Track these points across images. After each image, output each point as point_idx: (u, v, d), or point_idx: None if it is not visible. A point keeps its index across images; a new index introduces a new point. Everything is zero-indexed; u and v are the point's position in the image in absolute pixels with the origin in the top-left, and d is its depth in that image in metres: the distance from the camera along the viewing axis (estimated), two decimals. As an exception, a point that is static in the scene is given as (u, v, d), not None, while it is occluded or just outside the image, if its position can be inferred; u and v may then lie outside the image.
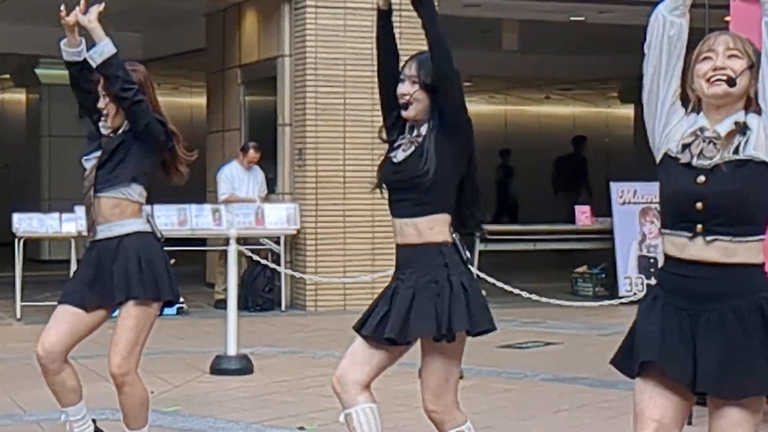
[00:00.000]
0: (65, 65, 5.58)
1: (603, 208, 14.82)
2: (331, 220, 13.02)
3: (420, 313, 4.62)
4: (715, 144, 3.75)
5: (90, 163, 5.52)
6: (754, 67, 3.79)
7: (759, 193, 3.72)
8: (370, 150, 13.08)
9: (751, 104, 3.80)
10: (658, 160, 3.89)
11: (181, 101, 24.65)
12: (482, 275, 10.17)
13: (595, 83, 23.48)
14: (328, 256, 12.98)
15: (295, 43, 13.29)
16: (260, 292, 13.10)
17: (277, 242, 13.14)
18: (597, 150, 25.40)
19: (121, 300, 5.46)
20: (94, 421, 5.95)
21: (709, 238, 3.70)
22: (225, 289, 9.94)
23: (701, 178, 3.71)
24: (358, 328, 4.87)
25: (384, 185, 4.88)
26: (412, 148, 4.77)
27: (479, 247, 14.07)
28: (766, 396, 3.75)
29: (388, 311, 4.69)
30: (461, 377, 8.62)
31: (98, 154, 5.49)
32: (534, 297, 9.47)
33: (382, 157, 4.94)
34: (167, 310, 12.36)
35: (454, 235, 4.76)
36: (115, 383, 5.51)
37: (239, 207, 12.98)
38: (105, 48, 5.32)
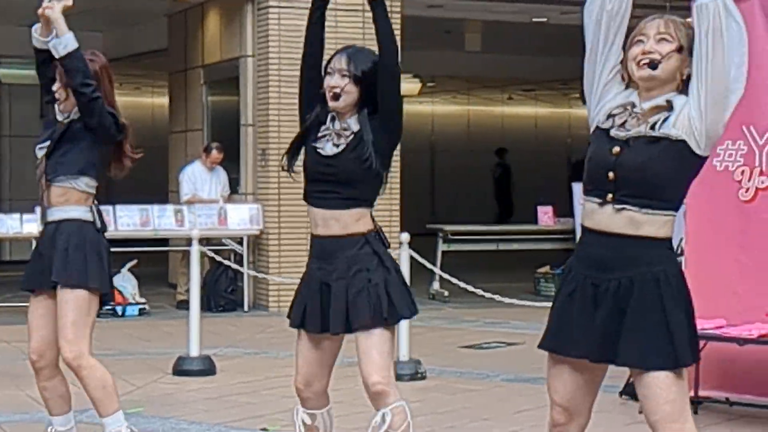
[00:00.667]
0: (34, 51, 5.57)
1: (565, 208, 14.88)
2: (294, 221, 13.00)
3: (359, 304, 4.79)
4: (638, 119, 3.87)
5: (42, 151, 5.51)
6: (683, 49, 3.89)
7: (670, 170, 3.82)
8: (333, 150, 13.07)
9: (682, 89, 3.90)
10: (591, 131, 4.00)
11: (143, 101, 24.55)
12: (445, 276, 10.19)
13: (557, 84, 23.57)
14: (291, 257, 12.95)
15: (258, 44, 13.27)
16: (223, 293, 13.07)
17: (240, 243, 13.11)
18: (559, 151, 25.53)
19: (52, 284, 5.41)
20: None
21: (617, 206, 3.82)
22: (187, 290, 9.91)
23: (616, 149, 3.84)
24: (299, 325, 5.02)
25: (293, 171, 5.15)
26: (344, 143, 4.86)
27: (442, 247, 14.10)
28: (670, 368, 3.81)
29: (323, 305, 4.87)
30: (424, 377, 8.67)
31: (49, 143, 5.48)
32: (496, 297, 9.49)
33: (294, 141, 5.24)
34: (129, 311, 12.41)
35: (374, 222, 4.89)
36: (72, 369, 5.46)
37: (202, 207, 12.94)
38: (68, 42, 5.32)
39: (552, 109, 27.24)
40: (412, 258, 8.91)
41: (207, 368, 8.83)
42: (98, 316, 12.72)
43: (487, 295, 9.74)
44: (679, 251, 8.33)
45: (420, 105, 26.13)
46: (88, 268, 5.43)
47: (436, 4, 14.83)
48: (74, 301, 5.39)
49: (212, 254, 11.40)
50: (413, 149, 18.39)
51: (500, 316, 11.96)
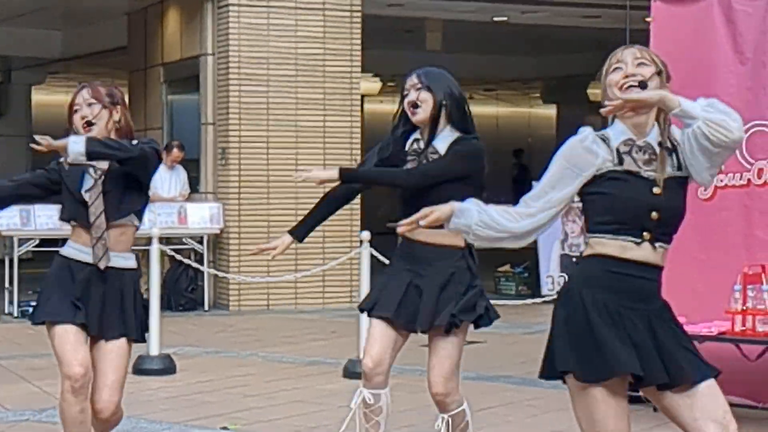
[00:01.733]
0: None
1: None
2: (255, 220, 12.98)
3: (444, 306, 5.18)
4: (651, 156, 3.91)
5: (90, 195, 5.26)
6: (662, 73, 3.96)
7: (685, 206, 4.01)
8: (294, 149, 13.07)
9: (664, 116, 3.95)
10: (584, 181, 3.93)
11: (102, 100, 24.45)
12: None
13: (518, 83, 23.62)
14: (251, 256, 12.92)
15: (218, 42, 13.23)
16: (183, 292, 13.03)
17: (200, 242, 13.07)
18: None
19: (115, 336, 5.25)
20: None
21: (656, 245, 3.91)
22: (147, 289, 9.85)
23: (657, 190, 3.89)
24: (369, 310, 5.36)
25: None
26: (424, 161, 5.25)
27: (403, 246, 14.10)
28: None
29: (406, 301, 5.22)
30: (385, 376, 8.65)
31: (93, 184, 5.25)
32: (457, 296, 9.48)
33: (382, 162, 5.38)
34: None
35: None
36: (102, 417, 5.30)
37: (162, 206, 12.88)
38: (77, 146, 5.05)
39: (513, 109, 27.31)
40: (373, 256, 8.90)
41: (167, 367, 8.80)
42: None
43: (448, 293, 9.75)
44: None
45: (381, 104, 26.13)
46: (142, 321, 5.34)
47: (396, 3, 14.84)
48: (126, 356, 5.29)
49: (172, 253, 11.35)
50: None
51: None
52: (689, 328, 6.97)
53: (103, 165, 5.24)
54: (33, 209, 12.27)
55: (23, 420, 7.17)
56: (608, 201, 3.89)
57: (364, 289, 8.70)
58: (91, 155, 5.05)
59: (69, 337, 5.20)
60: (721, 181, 7.24)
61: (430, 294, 5.20)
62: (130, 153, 5.12)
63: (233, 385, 8.37)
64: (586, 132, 3.95)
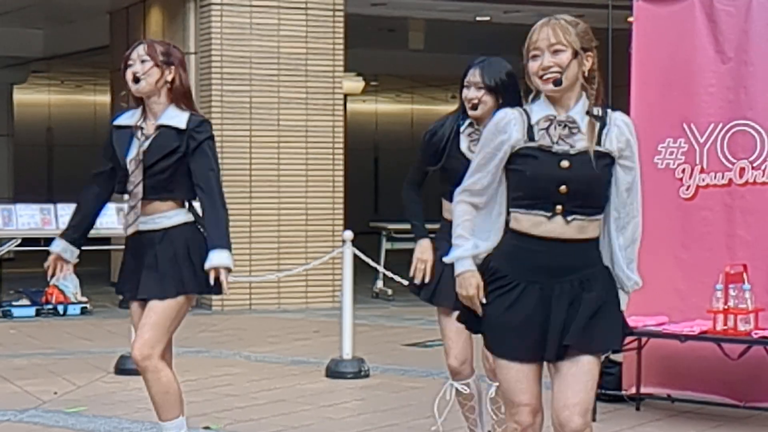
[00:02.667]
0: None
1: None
2: (237, 219, 12.94)
3: None
4: (572, 130, 3.99)
5: (132, 164, 5.26)
6: (578, 54, 3.99)
7: (606, 180, 4.06)
8: (276, 149, 13.05)
9: (591, 86, 4.05)
10: (505, 158, 4.06)
11: (84, 99, 24.41)
12: (389, 274, 10.19)
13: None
14: (234, 255, 12.81)
15: (201, 41, 13.21)
16: (165, 292, 12.99)
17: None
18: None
19: (156, 295, 5.27)
20: None
21: (569, 218, 3.98)
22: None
23: (565, 163, 3.96)
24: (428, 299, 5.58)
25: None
26: None
27: (386, 246, 14.11)
28: (611, 350, 4.19)
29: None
30: (367, 375, 8.67)
31: (136, 153, 5.24)
32: (440, 295, 9.48)
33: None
34: (71, 310, 12.31)
35: None
36: (139, 369, 5.30)
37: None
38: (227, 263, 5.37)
39: (495, 108, 27.31)
40: (355, 256, 8.90)
41: (149, 367, 8.77)
42: (38, 315, 12.64)
43: (431, 293, 9.75)
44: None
45: (363, 104, 26.15)
46: (198, 273, 5.32)
47: (379, 2, 14.84)
48: (163, 306, 5.25)
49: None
50: (357, 148, 18.43)
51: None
52: (671, 328, 7.02)
53: (149, 131, 5.24)
54: (14, 208, 12.23)
55: (4, 420, 7.14)
56: (519, 177, 4.03)
57: (347, 288, 8.71)
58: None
59: (134, 319, 5.38)
60: (703, 180, 7.25)
61: None
62: (222, 197, 5.38)
63: (216, 385, 8.36)
64: (502, 113, 4.08)
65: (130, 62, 5.30)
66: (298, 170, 13.11)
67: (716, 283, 6.87)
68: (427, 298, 5.58)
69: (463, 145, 5.50)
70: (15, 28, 17.68)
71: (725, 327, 6.85)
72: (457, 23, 16.40)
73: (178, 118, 5.28)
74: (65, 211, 12.16)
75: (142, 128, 5.27)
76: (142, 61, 5.28)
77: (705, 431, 6.97)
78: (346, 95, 15.41)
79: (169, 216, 5.30)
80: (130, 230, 5.27)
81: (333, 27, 13.22)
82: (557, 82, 3.96)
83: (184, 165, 5.27)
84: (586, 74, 4.03)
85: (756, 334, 6.78)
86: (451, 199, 5.47)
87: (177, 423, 5.40)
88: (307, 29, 13.13)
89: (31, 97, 24.24)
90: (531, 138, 3.99)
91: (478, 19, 16.04)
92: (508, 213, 4.09)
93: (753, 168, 7.11)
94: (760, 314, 6.85)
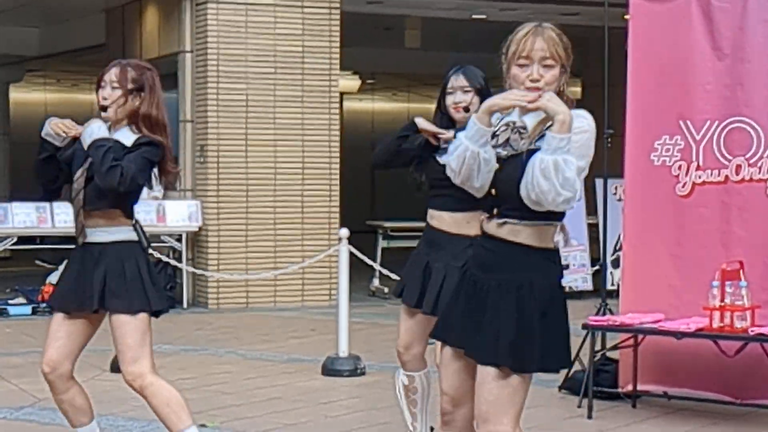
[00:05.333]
0: (41, 141, 5.37)
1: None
2: (234, 217, 12.95)
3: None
4: (521, 134, 3.96)
5: (78, 172, 5.25)
6: (564, 67, 4.00)
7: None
8: (272, 147, 13.04)
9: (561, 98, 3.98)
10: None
11: (80, 98, 24.35)
12: (385, 272, 10.19)
13: (497, 81, 23.61)
14: (231, 254, 12.91)
15: (197, 39, 13.19)
16: (162, 290, 12.96)
17: (179, 239, 13.03)
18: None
19: (98, 308, 5.30)
20: None
21: (500, 221, 3.97)
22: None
23: (496, 167, 3.95)
24: (399, 295, 5.96)
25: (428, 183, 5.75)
26: None
27: (382, 244, 14.11)
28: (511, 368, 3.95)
29: (423, 286, 5.77)
30: (363, 373, 8.67)
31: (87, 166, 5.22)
32: (436, 293, 9.49)
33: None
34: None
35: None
36: (136, 391, 5.32)
37: (140, 204, 12.75)
38: (96, 129, 5.14)
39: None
40: (352, 254, 8.90)
41: (145, 365, 8.76)
42: (34, 313, 12.64)
43: (427, 290, 9.75)
44: (618, 246, 8.40)
45: (360, 102, 26.14)
46: (147, 291, 5.32)
47: (376, 0, 14.83)
48: (132, 324, 5.26)
49: (151, 251, 11.31)
50: (353, 146, 18.39)
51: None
52: (667, 325, 7.02)
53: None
54: (10, 207, 12.23)
55: (0, 418, 7.14)
56: None
57: (344, 286, 8.70)
58: (88, 148, 5.09)
59: (57, 325, 5.41)
60: (699, 177, 7.26)
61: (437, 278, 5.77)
62: (107, 179, 5.08)
63: (212, 383, 8.35)
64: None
65: (102, 83, 5.27)
66: (294, 168, 13.10)
67: (712, 280, 6.87)
68: (397, 294, 5.95)
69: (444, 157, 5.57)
70: (10, 27, 17.67)
71: (722, 324, 6.85)
72: (453, 21, 16.40)
73: (127, 138, 5.23)
74: (61, 210, 12.17)
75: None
76: (112, 87, 5.24)
77: (701, 428, 6.97)
78: (342, 93, 15.41)
79: (112, 232, 5.28)
80: (81, 240, 5.27)
81: (329, 25, 13.21)
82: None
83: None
84: (561, 88, 3.99)
85: (752, 331, 6.78)
86: (435, 207, 5.81)
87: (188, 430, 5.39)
88: (304, 27, 13.11)
89: (27, 96, 24.20)
90: (492, 137, 3.99)
91: (473, 17, 16.03)
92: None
93: (749, 165, 7.11)
94: (757, 311, 6.86)
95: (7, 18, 16.77)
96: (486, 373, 3.93)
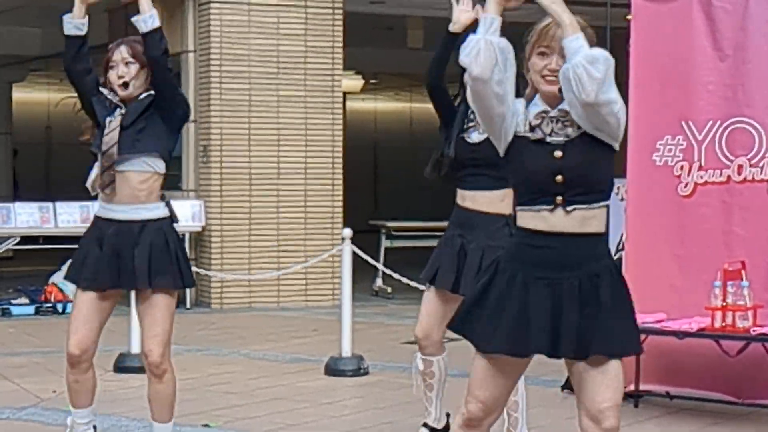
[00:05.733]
0: (66, 39, 5.45)
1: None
2: (237, 217, 12.96)
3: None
4: (563, 122, 3.97)
5: (113, 122, 5.31)
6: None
7: (602, 162, 4.00)
8: (275, 146, 13.05)
9: None
10: (504, 148, 4.07)
11: (83, 97, 24.36)
12: (388, 272, 10.20)
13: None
14: (234, 253, 12.92)
15: (200, 39, 13.21)
16: (165, 290, 12.98)
17: (182, 239, 13.03)
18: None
19: (136, 286, 5.33)
20: (95, 427, 5.75)
21: (569, 208, 3.95)
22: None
23: (558, 153, 3.94)
24: (430, 280, 5.89)
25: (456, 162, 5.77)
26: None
27: (385, 244, 14.11)
28: (623, 354, 4.07)
29: (458, 269, 5.72)
30: (366, 373, 8.68)
31: (118, 115, 5.29)
32: (439, 293, 9.50)
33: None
34: (70, 308, 12.29)
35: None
36: (155, 373, 5.40)
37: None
38: (154, 18, 5.32)
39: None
40: (355, 254, 8.91)
41: (148, 365, 8.77)
42: (37, 313, 12.64)
43: (430, 290, 9.76)
44: (620, 246, 8.41)
45: (363, 102, 26.15)
46: (184, 268, 5.36)
47: (378, 0, 14.84)
48: (168, 307, 5.33)
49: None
50: (356, 146, 18.42)
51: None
52: (669, 325, 7.03)
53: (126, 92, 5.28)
54: (13, 207, 12.25)
55: (3, 418, 7.15)
56: (519, 174, 4.05)
57: (347, 286, 8.71)
58: (152, 32, 5.27)
59: (82, 309, 5.37)
60: (701, 177, 7.26)
61: (473, 261, 5.77)
62: (174, 85, 5.36)
63: (215, 383, 8.36)
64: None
65: (112, 63, 5.31)
66: (297, 168, 13.11)
67: (714, 280, 6.88)
68: (429, 279, 5.93)
69: (474, 136, 5.71)
70: (13, 27, 17.67)
71: (723, 324, 6.86)
72: (456, 21, 16.39)
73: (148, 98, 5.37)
74: (64, 210, 12.19)
75: (120, 106, 5.34)
76: (126, 63, 5.29)
77: (703, 428, 6.98)
78: (345, 93, 15.42)
79: (149, 208, 5.31)
80: (109, 190, 5.25)
81: (332, 25, 13.22)
82: (561, 91, 3.95)
83: (156, 119, 5.30)
84: None
85: (754, 331, 6.79)
86: (468, 187, 5.77)
87: (169, 426, 5.51)
88: (306, 27, 13.12)
89: (30, 96, 24.22)
90: (531, 130, 3.99)
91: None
92: (515, 212, 4.10)
93: (751, 165, 7.12)
94: (759, 311, 6.87)
95: (10, 18, 16.79)
96: (605, 367, 3.96)
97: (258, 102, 12.98)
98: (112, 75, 5.30)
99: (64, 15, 5.40)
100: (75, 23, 5.37)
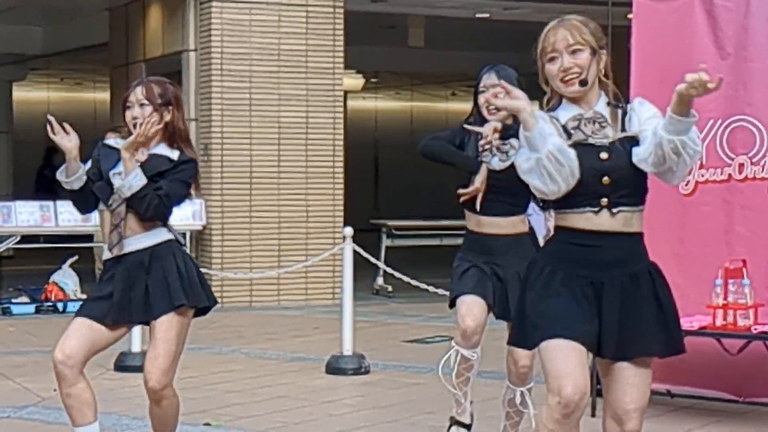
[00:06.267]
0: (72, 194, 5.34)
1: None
2: (238, 216, 12.97)
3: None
4: (600, 123, 3.98)
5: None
6: (596, 52, 4.00)
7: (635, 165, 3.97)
8: (276, 145, 13.05)
9: (608, 82, 4.06)
10: None
11: (84, 96, 24.39)
12: (389, 271, 10.20)
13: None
14: (235, 252, 12.92)
15: (201, 38, 13.21)
16: (165, 289, 12.97)
17: (183, 238, 13.02)
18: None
19: (164, 311, 5.24)
20: None
21: (614, 210, 3.94)
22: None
23: (604, 155, 3.92)
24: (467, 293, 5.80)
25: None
26: (508, 159, 5.55)
27: (386, 242, 14.11)
28: (662, 356, 4.09)
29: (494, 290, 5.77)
30: (367, 372, 8.68)
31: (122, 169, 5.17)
32: (440, 292, 9.51)
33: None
34: (70, 307, 12.32)
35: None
36: (153, 398, 5.28)
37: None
38: (134, 181, 5.07)
39: (495, 105, 27.29)
40: (356, 253, 8.91)
41: (149, 364, 8.77)
42: (38, 312, 12.61)
43: (431, 289, 9.77)
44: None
45: (363, 101, 26.15)
46: (194, 288, 5.31)
47: (379, -1, 14.85)
48: (177, 329, 5.25)
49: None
50: (357, 145, 18.42)
51: (444, 311, 11.94)
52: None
53: (141, 157, 5.19)
54: (14, 205, 12.24)
55: (4, 417, 7.15)
56: None
57: (348, 285, 8.71)
58: (136, 194, 5.06)
59: (75, 324, 5.29)
60: (702, 176, 7.26)
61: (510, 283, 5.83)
62: (158, 213, 5.14)
63: (216, 382, 8.37)
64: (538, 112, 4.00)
65: (128, 104, 5.26)
66: (298, 167, 13.12)
67: (715, 279, 6.88)
68: (453, 302, 5.86)
69: (494, 162, 5.69)
70: (14, 26, 17.68)
71: (724, 322, 6.86)
72: (457, 20, 16.40)
73: (169, 151, 5.25)
74: (64, 209, 12.18)
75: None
76: (141, 105, 5.24)
77: (704, 426, 6.98)
78: (346, 92, 15.42)
79: (154, 234, 5.26)
80: (116, 251, 5.20)
81: (333, 24, 13.22)
82: (584, 83, 3.96)
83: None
84: (603, 71, 4.04)
85: (755, 329, 6.79)
86: (473, 210, 5.77)
87: None
88: (307, 26, 13.12)
89: (30, 95, 24.21)
90: (569, 136, 3.97)
91: (477, 16, 16.03)
92: (553, 213, 4.09)
93: (752, 164, 7.11)
94: (760, 309, 6.86)
95: (11, 16, 16.79)
96: (637, 369, 3.99)
97: (259, 101, 12.98)
98: (128, 115, 5.24)
99: (59, 174, 5.29)
100: (71, 180, 5.25)
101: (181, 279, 5.24)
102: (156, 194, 5.11)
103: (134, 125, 5.20)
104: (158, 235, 5.26)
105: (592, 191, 3.93)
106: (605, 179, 3.92)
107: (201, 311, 5.45)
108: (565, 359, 3.91)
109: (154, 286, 5.20)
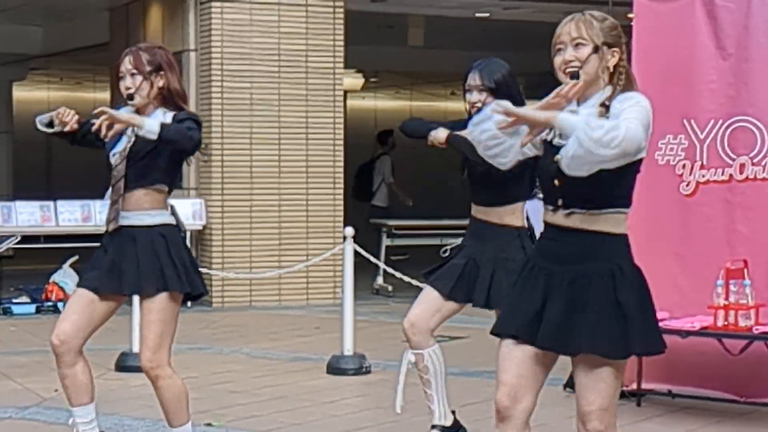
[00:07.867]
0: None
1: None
2: (238, 216, 12.97)
3: (499, 287, 5.66)
4: None
5: (115, 158, 5.27)
6: (599, 47, 3.99)
7: (608, 171, 3.82)
8: (276, 145, 13.05)
9: (618, 81, 4.05)
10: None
11: (84, 96, 24.37)
12: (389, 270, 10.20)
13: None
14: (235, 252, 12.92)
15: (201, 38, 13.21)
16: (166, 289, 12.97)
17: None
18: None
19: (129, 291, 5.34)
20: None
21: (566, 212, 3.95)
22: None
23: (557, 157, 3.88)
24: (428, 277, 5.94)
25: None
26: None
27: (386, 242, 14.12)
28: (611, 357, 3.95)
29: (463, 275, 5.79)
30: (368, 372, 8.68)
31: (123, 148, 5.24)
32: (440, 292, 9.50)
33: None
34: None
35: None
36: (149, 378, 5.36)
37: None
38: (152, 127, 5.05)
39: (495, 104, 27.28)
40: (356, 252, 8.91)
41: (150, 364, 8.77)
42: (38, 312, 12.61)
43: (431, 289, 9.76)
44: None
45: (363, 100, 26.14)
46: (181, 273, 5.32)
47: (379, -1, 14.85)
48: (160, 311, 5.28)
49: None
50: (357, 144, 18.40)
51: (444, 311, 11.96)
52: (672, 323, 7.03)
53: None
54: (14, 205, 12.24)
55: (5, 417, 7.15)
56: (535, 172, 4.17)
57: (348, 285, 8.71)
58: (163, 140, 5.06)
59: (72, 303, 5.37)
60: (703, 176, 7.26)
61: (485, 273, 5.88)
62: (193, 140, 5.16)
63: (217, 382, 8.37)
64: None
65: (120, 74, 5.30)
66: (298, 167, 13.12)
67: (717, 279, 6.88)
68: (427, 274, 5.96)
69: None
70: (14, 25, 17.68)
71: (726, 323, 6.86)
72: (457, 20, 16.40)
73: (165, 116, 5.28)
74: (65, 208, 12.18)
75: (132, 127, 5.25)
76: (132, 75, 5.27)
77: (706, 427, 6.98)
78: (346, 92, 15.42)
79: (152, 215, 5.30)
80: (111, 226, 5.26)
81: (333, 24, 13.22)
82: (574, 75, 3.97)
83: (165, 151, 5.24)
84: (611, 69, 4.02)
85: (757, 329, 6.79)
86: (477, 202, 5.87)
87: (186, 428, 5.45)
88: (308, 26, 13.13)
89: (31, 94, 24.21)
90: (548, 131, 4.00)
91: (477, 15, 16.04)
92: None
93: (753, 164, 7.12)
94: (761, 310, 6.87)
95: (11, 16, 16.79)
96: (596, 370, 3.94)
97: (259, 100, 12.98)
98: (122, 86, 5.28)
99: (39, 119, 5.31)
100: (43, 121, 5.28)
101: (173, 263, 5.28)
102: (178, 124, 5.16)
103: (128, 96, 5.24)
104: (158, 216, 5.30)
105: (547, 190, 4.01)
106: (556, 181, 3.94)
107: (191, 297, 5.50)
108: (504, 362, 4.04)
109: (144, 264, 5.26)
